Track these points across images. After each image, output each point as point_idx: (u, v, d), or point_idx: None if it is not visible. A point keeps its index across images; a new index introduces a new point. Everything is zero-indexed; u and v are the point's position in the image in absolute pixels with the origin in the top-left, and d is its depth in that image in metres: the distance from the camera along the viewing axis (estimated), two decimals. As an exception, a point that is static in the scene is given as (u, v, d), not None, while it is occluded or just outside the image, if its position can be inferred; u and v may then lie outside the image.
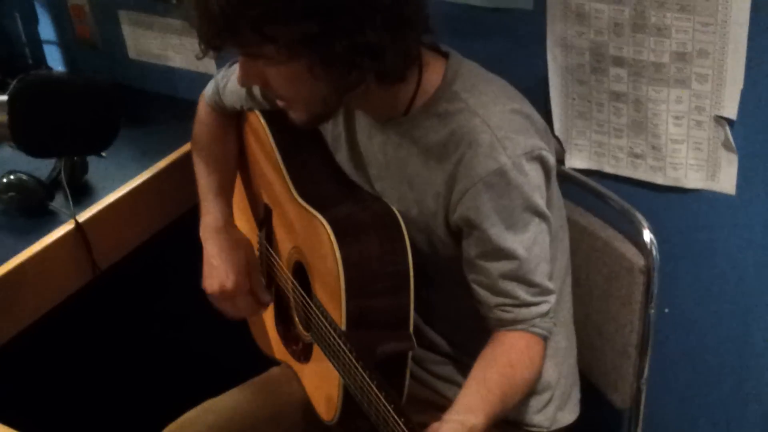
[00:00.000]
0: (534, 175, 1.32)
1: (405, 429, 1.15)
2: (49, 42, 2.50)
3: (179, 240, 1.77)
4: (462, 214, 1.33)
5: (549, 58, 1.67)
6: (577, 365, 1.61)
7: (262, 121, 1.58)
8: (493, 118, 1.32)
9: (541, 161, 1.33)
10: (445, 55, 1.39)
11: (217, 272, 1.59)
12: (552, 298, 1.37)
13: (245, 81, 1.34)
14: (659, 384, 1.72)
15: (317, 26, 1.20)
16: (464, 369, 1.43)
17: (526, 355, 1.34)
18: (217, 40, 1.26)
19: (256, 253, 1.69)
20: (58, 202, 1.88)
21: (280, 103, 1.36)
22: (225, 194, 1.68)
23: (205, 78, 1.72)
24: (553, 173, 1.38)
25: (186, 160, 1.78)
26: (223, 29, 1.23)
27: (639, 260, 1.53)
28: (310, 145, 1.53)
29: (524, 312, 1.35)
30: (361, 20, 1.22)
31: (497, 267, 1.33)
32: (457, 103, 1.34)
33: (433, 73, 1.37)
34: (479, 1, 1.70)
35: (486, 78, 1.39)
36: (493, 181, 1.30)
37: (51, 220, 1.83)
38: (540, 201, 1.33)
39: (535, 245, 1.34)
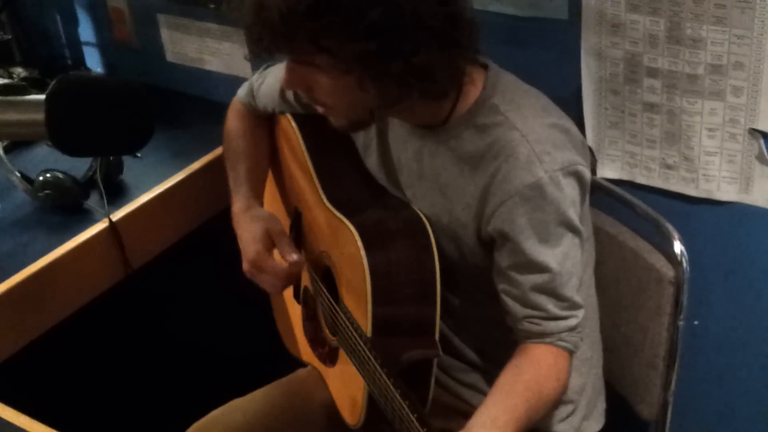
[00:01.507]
0: (570, 190, 1.32)
1: (428, 439, 1.16)
2: (88, 43, 2.54)
3: (211, 241, 1.79)
4: (496, 227, 1.33)
5: (583, 68, 1.67)
6: (602, 375, 1.60)
7: (293, 124, 1.59)
8: (532, 132, 1.32)
9: (578, 177, 1.33)
10: (484, 66, 1.40)
11: (244, 251, 1.59)
12: (580, 313, 1.37)
13: (291, 85, 1.34)
14: (686, 397, 1.70)
15: (375, 45, 1.20)
16: (490, 377, 1.43)
17: (552, 370, 1.34)
18: (272, 46, 1.26)
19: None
20: (92, 201, 1.90)
21: (320, 109, 1.37)
22: (250, 182, 1.68)
23: (240, 82, 1.74)
24: (588, 189, 1.38)
25: (219, 163, 1.79)
26: (279, 36, 1.23)
27: (669, 272, 1.52)
28: (340, 149, 1.54)
29: (552, 325, 1.34)
30: (418, 43, 1.22)
31: (529, 279, 1.33)
32: (497, 116, 1.34)
33: (473, 84, 1.37)
34: (515, 10, 1.70)
35: (525, 91, 1.40)
36: (529, 195, 1.30)
37: (85, 219, 1.86)
38: (574, 216, 1.33)
39: (567, 260, 1.34)
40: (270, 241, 1.57)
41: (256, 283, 1.59)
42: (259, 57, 1.30)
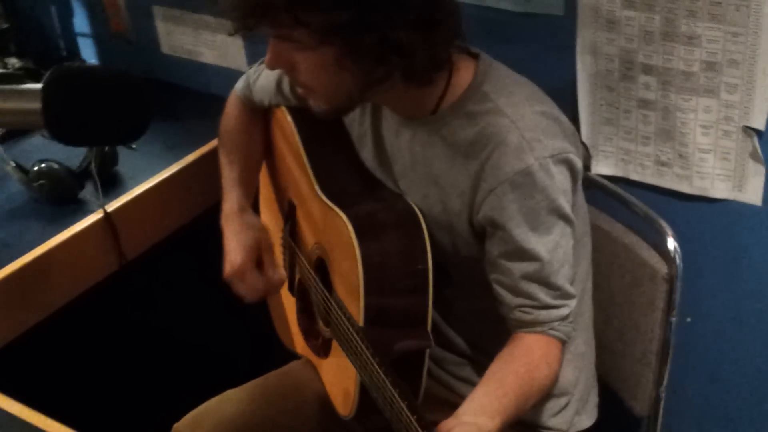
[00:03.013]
0: (560, 177, 1.32)
1: (417, 426, 1.16)
2: (83, 35, 2.54)
3: (205, 233, 1.79)
4: (486, 214, 1.33)
5: (578, 64, 1.67)
6: (595, 370, 1.61)
7: (289, 117, 1.59)
8: (522, 119, 1.32)
9: (568, 164, 1.34)
10: (475, 56, 1.40)
11: (228, 254, 1.60)
12: (572, 303, 1.37)
13: (273, 64, 1.34)
14: (678, 393, 1.71)
15: (349, 16, 1.21)
16: (482, 370, 1.43)
17: (543, 359, 1.34)
18: (250, 19, 1.26)
19: (278, 246, 1.71)
20: (87, 192, 1.91)
21: (301, 91, 1.37)
22: (244, 183, 1.69)
23: (235, 74, 1.74)
24: (580, 177, 1.39)
25: (214, 155, 1.79)
26: (257, 7, 1.23)
27: (662, 268, 1.53)
28: (335, 141, 1.54)
29: (544, 314, 1.35)
30: (392, 16, 1.23)
31: (519, 267, 1.34)
32: (487, 103, 1.35)
33: (463, 73, 1.37)
34: (510, 6, 1.71)
35: (515, 80, 1.40)
36: (519, 182, 1.30)
37: (80, 209, 1.86)
38: (565, 204, 1.33)
39: (559, 248, 1.34)
40: (257, 254, 1.61)
41: (233, 288, 1.61)
42: (240, 31, 1.31)
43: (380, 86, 1.31)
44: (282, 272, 1.64)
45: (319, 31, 1.23)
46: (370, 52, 1.24)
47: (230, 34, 1.35)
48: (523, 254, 1.33)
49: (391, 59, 1.26)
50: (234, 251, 1.60)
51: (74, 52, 2.54)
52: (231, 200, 1.66)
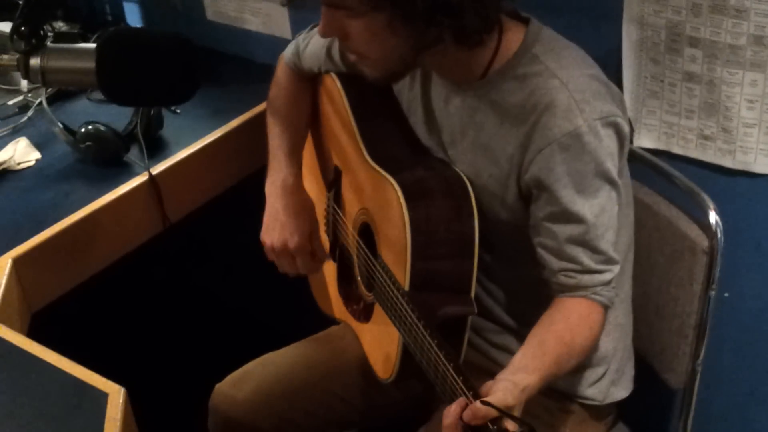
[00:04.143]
0: (608, 141, 1.33)
1: (463, 386, 1.18)
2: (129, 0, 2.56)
3: (248, 198, 1.81)
4: (534, 175, 1.34)
5: (624, 35, 1.67)
6: (632, 342, 1.62)
7: (338, 84, 1.60)
8: (572, 81, 1.32)
9: (616, 128, 1.34)
10: (525, 21, 1.40)
11: (282, 228, 1.63)
12: (616, 268, 1.37)
13: (326, 32, 1.35)
14: (714, 368, 1.72)
15: None
16: (521, 339, 1.43)
17: (585, 321, 1.35)
18: None
19: (323, 214, 1.73)
20: (133, 155, 1.93)
21: (352, 57, 1.38)
22: (296, 155, 1.72)
23: (279, 41, 1.75)
24: (627, 142, 1.39)
25: (257, 121, 1.82)
26: None
27: (703, 241, 1.53)
28: (384, 108, 1.55)
29: (587, 279, 1.35)
30: None
31: (564, 230, 1.34)
32: (537, 65, 1.35)
33: (513, 37, 1.37)
34: (557, -25, 1.70)
35: (565, 44, 1.40)
36: (568, 143, 1.30)
37: (125, 172, 1.88)
38: (612, 168, 1.33)
39: (604, 212, 1.34)
40: (310, 235, 1.65)
41: (270, 257, 1.65)
42: (293, 1, 1.32)
43: (432, 49, 1.32)
44: (324, 250, 1.67)
45: None
46: (421, 15, 1.25)
47: (283, 4, 1.36)
48: (569, 216, 1.33)
49: (442, 21, 1.26)
50: (289, 229, 1.64)
51: (120, 16, 2.56)
52: (285, 171, 1.68)
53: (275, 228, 1.64)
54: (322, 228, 1.75)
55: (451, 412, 1.16)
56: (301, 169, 1.73)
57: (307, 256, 1.66)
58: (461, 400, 1.16)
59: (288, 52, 1.71)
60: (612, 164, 1.34)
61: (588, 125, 1.30)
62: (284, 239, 1.63)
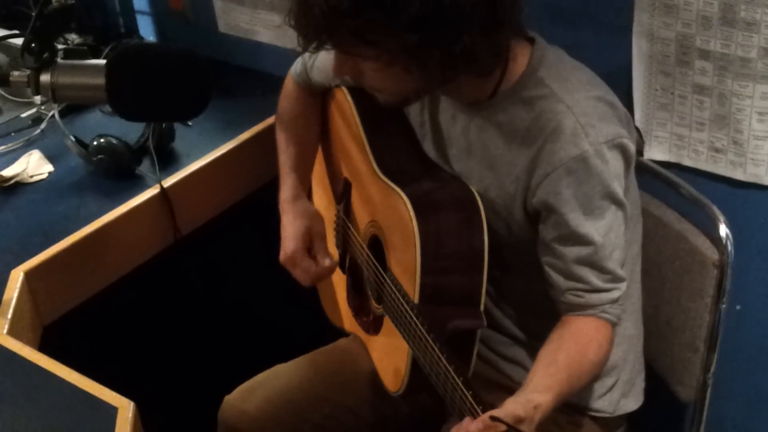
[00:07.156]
0: (614, 163, 1.34)
1: (473, 401, 1.18)
2: (142, 12, 2.57)
3: (258, 210, 1.82)
4: (541, 198, 1.35)
5: (634, 48, 1.67)
6: (643, 354, 1.62)
7: (349, 97, 1.61)
8: (578, 104, 1.33)
9: (622, 150, 1.35)
10: (531, 41, 1.41)
11: (283, 240, 1.65)
12: (623, 286, 1.38)
13: (340, 72, 1.38)
14: (725, 380, 1.71)
15: (418, 37, 1.23)
16: (531, 352, 1.45)
17: (594, 339, 1.35)
18: (318, 41, 1.29)
19: (333, 226, 1.73)
20: (144, 167, 1.93)
21: (367, 88, 1.40)
22: (300, 169, 1.73)
23: (291, 54, 1.74)
24: (633, 162, 1.39)
25: (268, 133, 1.81)
26: (323, 32, 1.27)
27: (713, 254, 1.53)
28: (393, 122, 1.56)
29: (595, 298, 1.36)
30: (460, 29, 1.24)
31: (572, 252, 1.35)
32: (542, 88, 1.36)
33: (519, 59, 1.38)
34: (567, -12, 1.71)
35: (571, 65, 1.41)
36: (574, 167, 1.31)
37: (137, 184, 1.89)
38: (618, 189, 1.34)
39: (611, 232, 1.35)
40: (309, 240, 1.65)
41: (290, 273, 1.65)
42: (308, 51, 1.33)
43: (446, 84, 1.34)
44: (333, 258, 1.68)
45: (388, 52, 1.26)
46: (438, 62, 1.26)
47: (299, 52, 1.37)
48: (577, 238, 1.34)
49: (458, 64, 1.27)
50: (287, 239, 1.64)
51: (133, 29, 2.57)
52: (286, 185, 1.70)
53: (282, 244, 1.65)
54: (332, 240, 1.75)
55: (462, 428, 1.16)
56: (305, 181, 1.74)
57: (307, 261, 1.64)
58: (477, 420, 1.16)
59: (296, 68, 1.72)
60: (618, 185, 1.34)
61: (594, 149, 1.31)
62: (284, 249, 1.64)
